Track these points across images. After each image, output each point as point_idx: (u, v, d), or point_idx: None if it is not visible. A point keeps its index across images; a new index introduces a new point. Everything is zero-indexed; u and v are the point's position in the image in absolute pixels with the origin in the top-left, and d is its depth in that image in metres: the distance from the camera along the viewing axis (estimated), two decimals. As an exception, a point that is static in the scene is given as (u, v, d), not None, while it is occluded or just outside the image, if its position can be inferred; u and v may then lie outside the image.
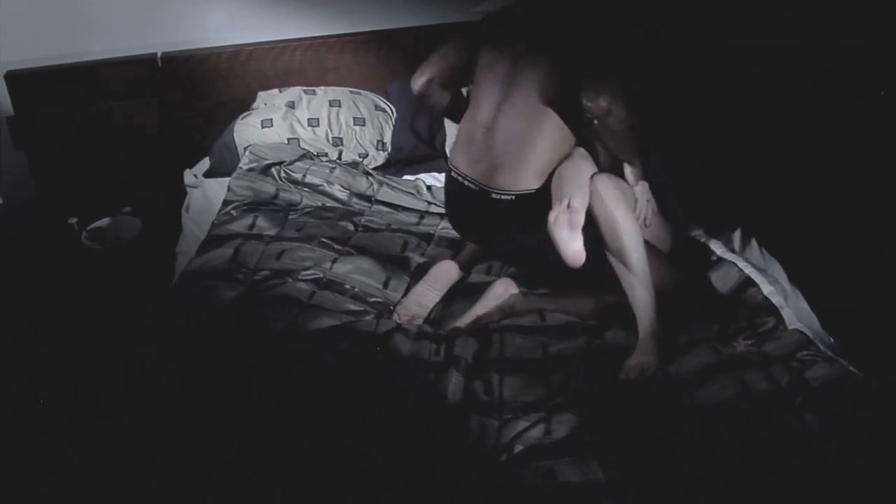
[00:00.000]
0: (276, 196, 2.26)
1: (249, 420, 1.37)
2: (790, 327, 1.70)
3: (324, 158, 2.46)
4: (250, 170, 2.32)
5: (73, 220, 2.46)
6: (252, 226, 2.09)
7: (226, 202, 2.22)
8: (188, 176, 2.52)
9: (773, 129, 2.58)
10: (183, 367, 1.50)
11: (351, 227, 2.15)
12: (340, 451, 1.31)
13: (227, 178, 2.33)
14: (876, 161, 2.32)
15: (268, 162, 2.34)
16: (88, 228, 2.46)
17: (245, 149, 2.41)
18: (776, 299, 1.79)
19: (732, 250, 2.00)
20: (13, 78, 2.44)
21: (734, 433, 1.37)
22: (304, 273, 1.88)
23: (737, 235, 2.08)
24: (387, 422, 1.39)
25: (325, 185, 2.32)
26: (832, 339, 1.70)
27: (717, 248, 2.00)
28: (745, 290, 1.84)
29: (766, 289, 1.82)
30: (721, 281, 1.89)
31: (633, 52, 2.43)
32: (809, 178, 2.41)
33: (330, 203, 2.28)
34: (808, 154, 2.52)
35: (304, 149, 2.45)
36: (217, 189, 2.35)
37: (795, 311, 1.77)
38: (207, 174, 2.50)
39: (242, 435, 1.33)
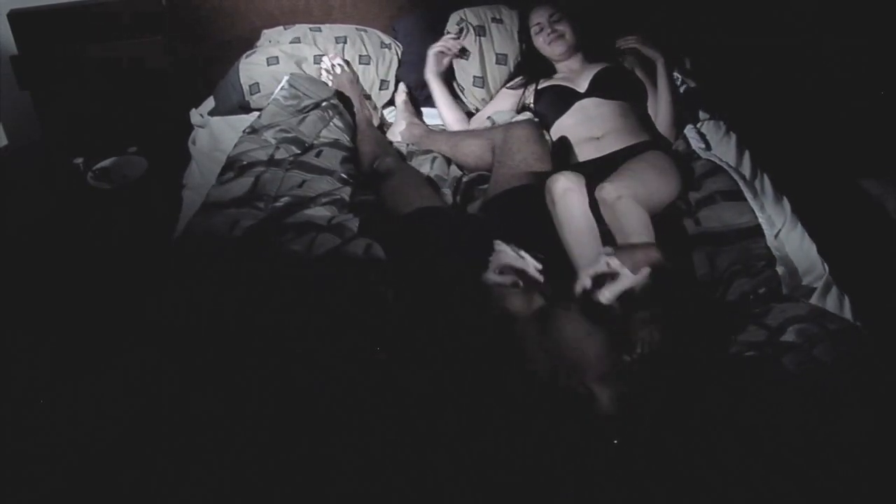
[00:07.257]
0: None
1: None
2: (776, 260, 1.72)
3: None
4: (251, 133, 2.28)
5: (79, 161, 2.43)
6: (272, 154, 2.07)
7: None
8: (195, 115, 2.49)
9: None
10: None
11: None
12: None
13: (233, 117, 2.34)
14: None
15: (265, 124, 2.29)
16: (94, 168, 2.43)
17: (248, 84, 2.40)
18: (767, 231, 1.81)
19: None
20: (17, 17, 2.42)
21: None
22: (325, 198, 1.93)
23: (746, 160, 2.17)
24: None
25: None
26: (827, 268, 1.71)
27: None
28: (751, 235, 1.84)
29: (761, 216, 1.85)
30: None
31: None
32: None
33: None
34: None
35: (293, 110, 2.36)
36: (224, 126, 2.35)
37: (787, 242, 1.78)
38: (212, 114, 2.48)
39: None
